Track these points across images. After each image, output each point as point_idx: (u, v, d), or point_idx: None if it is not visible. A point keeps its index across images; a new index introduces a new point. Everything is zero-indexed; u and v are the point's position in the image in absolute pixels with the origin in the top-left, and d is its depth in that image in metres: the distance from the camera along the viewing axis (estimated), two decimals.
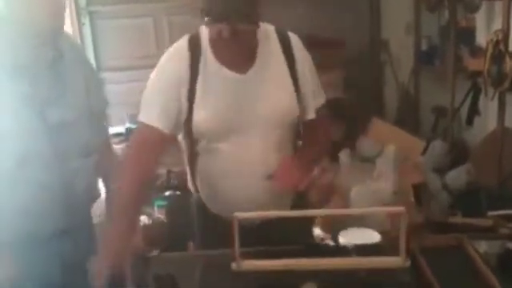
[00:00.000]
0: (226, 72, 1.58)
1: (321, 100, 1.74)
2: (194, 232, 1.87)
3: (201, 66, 1.58)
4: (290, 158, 1.67)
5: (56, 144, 1.60)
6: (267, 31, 1.64)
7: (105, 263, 1.39)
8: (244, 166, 1.62)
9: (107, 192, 1.88)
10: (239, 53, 1.56)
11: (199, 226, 1.84)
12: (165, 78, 1.62)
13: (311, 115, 1.70)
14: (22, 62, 1.55)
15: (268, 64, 1.62)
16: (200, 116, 1.59)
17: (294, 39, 1.68)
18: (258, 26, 1.53)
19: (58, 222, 1.64)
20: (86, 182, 1.73)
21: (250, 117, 1.60)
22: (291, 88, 1.64)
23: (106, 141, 1.95)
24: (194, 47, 1.60)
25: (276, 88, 1.63)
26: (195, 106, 1.59)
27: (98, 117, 1.84)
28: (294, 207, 1.72)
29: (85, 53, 1.82)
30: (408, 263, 1.35)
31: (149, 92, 1.63)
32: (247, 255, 1.46)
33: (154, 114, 1.59)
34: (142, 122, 1.61)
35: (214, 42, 1.57)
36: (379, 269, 1.39)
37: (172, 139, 1.66)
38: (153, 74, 1.64)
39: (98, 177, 1.85)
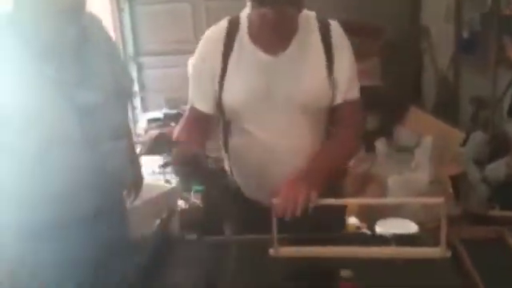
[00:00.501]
0: (259, 53, 1.60)
1: (354, 93, 1.68)
2: (230, 214, 1.88)
3: (235, 46, 1.62)
4: (298, 174, 1.55)
5: (85, 127, 1.59)
6: (308, 17, 1.64)
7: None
8: (271, 151, 1.63)
9: None
10: (277, 36, 1.58)
11: (234, 209, 1.85)
12: (201, 59, 1.68)
13: (339, 100, 1.65)
14: (45, 42, 1.53)
15: (303, 49, 1.61)
16: (229, 95, 1.63)
17: (335, 26, 1.66)
18: (300, 12, 1.55)
19: (90, 206, 1.63)
20: (117, 165, 1.71)
21: (278, 99, 1.61)
22: (324, 74, 1.62)
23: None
24: (233, 28, 1.64)
25: (308, 73, 1.62)
26: (225, 84, 1.63)
27: (127, 96, 1.89)
28: (326, 195, 1.69)
29: (107, 31, 1.80)
30: (449, 254, 1.34)
31: (190, 73, 1.74)
32: (282, 241, 1.47)
33: (195, 96, 1.70)
34: (191, 105, 1.72)
35: (253, 25, 1.59)
36: (417, 259, 1.38)
37: (216, 117, 1.73)
38: (194, 57, 1.71)
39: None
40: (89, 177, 1.60)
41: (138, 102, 5.01)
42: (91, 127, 1.60)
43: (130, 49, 4.99)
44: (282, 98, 1.60)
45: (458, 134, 4.06)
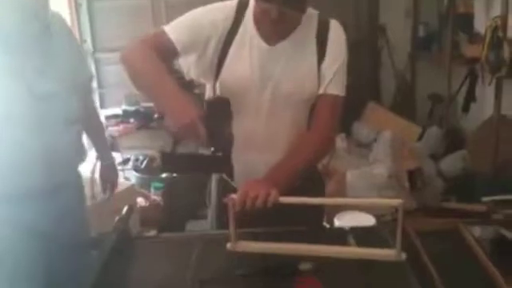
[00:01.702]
0: (259, 40, 1.63)
1: (336, 89, 1.67)
2: (211, 204, 1.87)
3: (241, 28, 1.64)
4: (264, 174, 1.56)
5: (40, 112, 1.73)
6: (311, 15, 1.66)
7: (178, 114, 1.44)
8: (252, 136, 1.66)
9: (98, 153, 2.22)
10: (277, 30, 1.60)
11: (215, 197, 1.84)
12: (205, 18, 1.64)
13: (320, 91, 1.66)
14: (8, 34, 1.64)
15: (299, 43, 1.64)
16: (226, 75, 1.64)
17: (334, 25, 1.69)
18: (303, 12, 1.58)
19: (43, 182, 1.79)
20: (69, 147, 1.89)
21: (267, 87, 1.63)
22: (315, 68, 1.64)
23: (93, 111, 2.19)
24: (240, 10, 1.65)
25: (299, 65, 1.64)
26: (225, 65, 1.64)
27: (84, 89, 2.01)
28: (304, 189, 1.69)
29: (69, 27, 2.01)
30: (403, 256, 1.36)
31: (186, 16, 1.66)
32: (246, 235, 1.48)
33: (176, 30, 1.62)
34: (163, 30, 1.63)
35: (257, 14, 1.62)
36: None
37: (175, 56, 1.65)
38: (196, 10, 1.67)
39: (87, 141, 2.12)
40: (39, 155, 1.75)
41: (96, 98, 4.92)
42: (45, 112, 1.75)
43: (89, 45, 4.90)
44: (270, 86, 1.63)
45: (415, 129, 4.16)
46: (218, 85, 1.67)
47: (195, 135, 1.43)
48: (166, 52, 1.60)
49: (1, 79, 1.67)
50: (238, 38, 1.64)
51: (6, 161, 1.72)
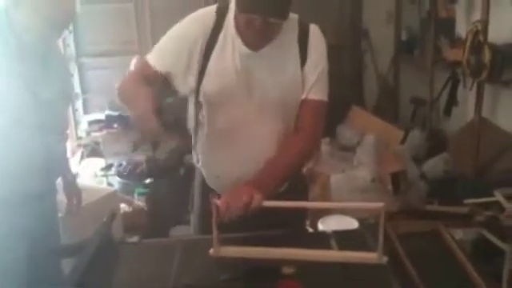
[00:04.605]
0: (241, 46, 1.62)
1: (319, 94, 1.68)
2: (194, 208, 1.87)
3: (221, 35, 1.63)
4: (251, 181, 1.55)
5: (42, 118, 1.83)
6: (291, 19, 1.64)
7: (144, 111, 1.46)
8: (235, 141, 1.65)
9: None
10: (260, 37, 1.60)
11: (198, 202, 1.85)
12: (182, 34, 1.66)
13: (303, 96, 1.67)
14: (30, 44, 1.76)
15: (281, 48, 1.64)
16: (208, 82, 1.63)
17: (314, 29, 1.70)
18: (285, 20, 1.57)
19: (40, 185, 1.89)
20: (61, 154, 2.04)
21: (250, 92, 1.63)
22: (298, 73, 1.65)
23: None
24: (220, 16, 1.65)
25: (281, 70, 1.64)
26: (207, 72, 1.63)
27: (70, 101, 2.20)
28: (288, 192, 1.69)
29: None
30: (385, 259, 1.37)
31: (164, 39, 1.70)
32: (229, 240, 1.48)
33: (157, 56, 1.67)
34: (146, 59, 1.69)
35: (238, 22, 1.61)
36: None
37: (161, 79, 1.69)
38: (173, 28, 1.69)
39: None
40: (37, 160, 1.84)
41: (79, 103, 4.89)
42: (45, 118, 1.84)
43: (72, 50, 4.87)
44: (253, 91, 1.63)
45: (398, 133, 4.18)
46: (201, 94, 1.65)
47: (149, 127, 1.46)
48: (154, 80, 1.65)
49: (9, 83, 1.75)
50: (218, 45, 1.63)
51: (12, 164, 1.79)
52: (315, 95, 1.67)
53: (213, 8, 1.67)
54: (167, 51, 1.67)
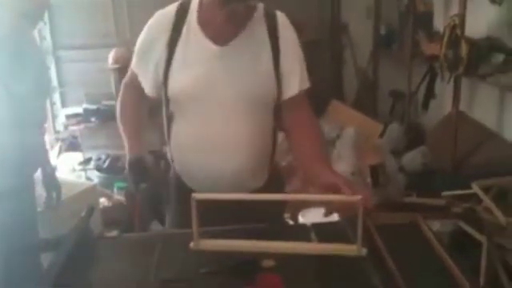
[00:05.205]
0: (207, 42, 1.59)
1: (306, 83, 1.68)
2: (170, 204, 1.86)
3: (184, 31, 1.60)
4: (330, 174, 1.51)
5: (16, 111, 1.83)
6: (257, 8, 1.61)
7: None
8: (211, 140, 1.62)
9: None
10: (229, 28, 1.57)
11: (174, 198, 1.83)
12: (147, 45, 1.66)
13: (292, 92, 1.65)
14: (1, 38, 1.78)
15: (250, 40, 1.60)
16: (175, 80, 1.61)
17: (282, 18, 1.66)
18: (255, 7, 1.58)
19: (15, 180, 1.90)
20: (39, 147, 2.04)
21: (221, 89, 1.59)
22: (270, 66, 1.61)
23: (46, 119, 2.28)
24: (181, 13, 1.62)
25: (253, 64, 1.61)
26: (172, 70, 1.60)
27: (47, 94, 2.25)
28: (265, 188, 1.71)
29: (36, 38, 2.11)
30: (364, 252, 1.38)
31: (136, 50, 1.72)
32: (209, 234, 1.47)
33: (134, 62, 1.73)
34: (131, 68, 1.76)
35: (204, 14, 1.59)
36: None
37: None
38: (143, 30, 1.70)
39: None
40: (11, 155, 1.85)
41: (56, 97, 4.83)
42: (20, 112, 1.84)
43: (49, 42, 4.80)
44: (225, 88, 1.59)
45: (377, 126, 4.22)
46: (168, 89, 1.63)
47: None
48: (140, 86, 1.71)
49: None
50: (180, 43, 1.60)
51: None
52: (304, 86, 1.67)
53: (174, 5, 1.65)
54: (137, 56, 1.71)
